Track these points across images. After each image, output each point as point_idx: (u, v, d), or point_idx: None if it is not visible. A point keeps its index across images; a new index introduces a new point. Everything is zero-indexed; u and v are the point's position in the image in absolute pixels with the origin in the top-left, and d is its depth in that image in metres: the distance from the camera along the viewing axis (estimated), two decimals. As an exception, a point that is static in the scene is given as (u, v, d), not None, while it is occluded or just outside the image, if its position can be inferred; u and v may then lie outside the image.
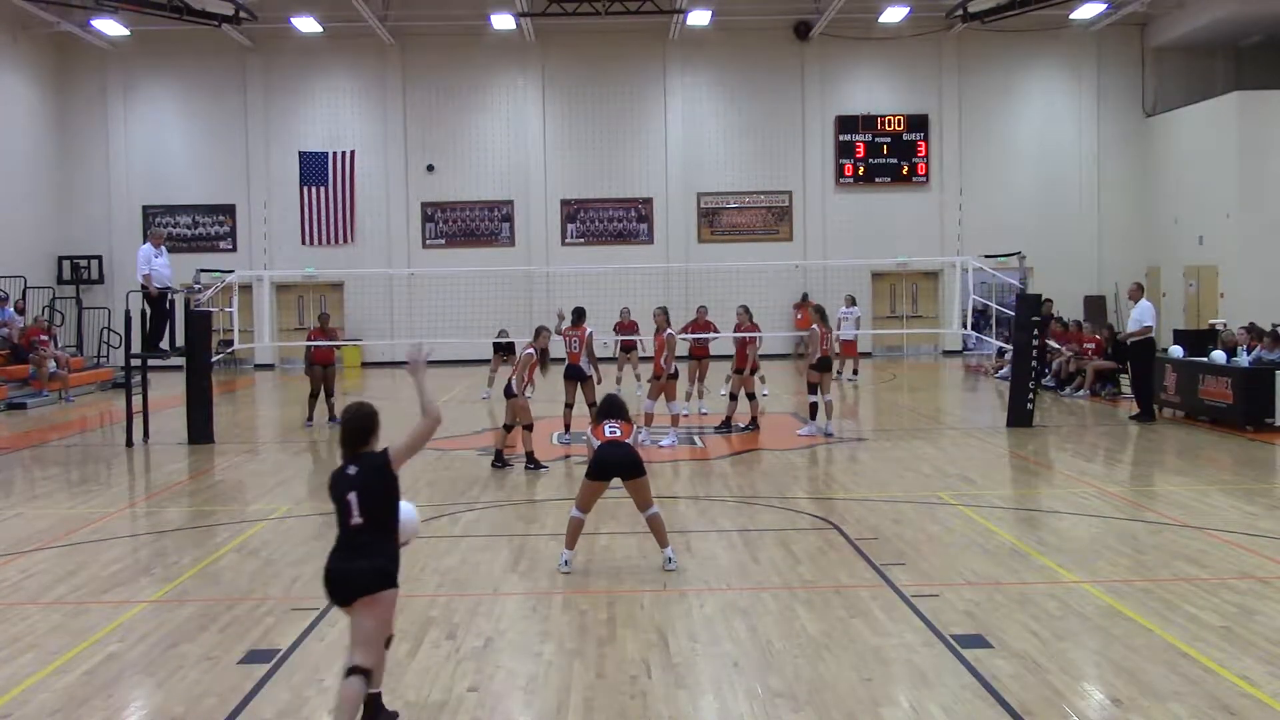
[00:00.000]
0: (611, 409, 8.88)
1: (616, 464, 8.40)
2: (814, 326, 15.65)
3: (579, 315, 15.68)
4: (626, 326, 21.30)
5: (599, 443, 8.53)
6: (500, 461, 13.38)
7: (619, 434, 8.55)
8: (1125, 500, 11.16)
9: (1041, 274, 26.18)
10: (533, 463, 13.17)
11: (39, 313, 25.65)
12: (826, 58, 30.97)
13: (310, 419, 17.74)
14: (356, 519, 5.47)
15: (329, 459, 15.10)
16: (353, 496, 5.48)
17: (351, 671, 5.35)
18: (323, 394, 17.79)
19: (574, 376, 15.36)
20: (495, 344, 21.14)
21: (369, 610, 5.41)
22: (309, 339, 18.04)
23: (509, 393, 13.32)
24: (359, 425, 5.62)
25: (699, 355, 18.21)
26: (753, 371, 16.27)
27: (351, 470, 5.54)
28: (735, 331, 16.54)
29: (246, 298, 22.47)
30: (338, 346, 18.26)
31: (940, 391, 23.64)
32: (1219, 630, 6.91)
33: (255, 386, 26.51)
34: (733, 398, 16.22)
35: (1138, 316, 16.97)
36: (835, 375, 23.36)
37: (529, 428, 13.29)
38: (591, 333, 15.67)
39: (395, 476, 5.56)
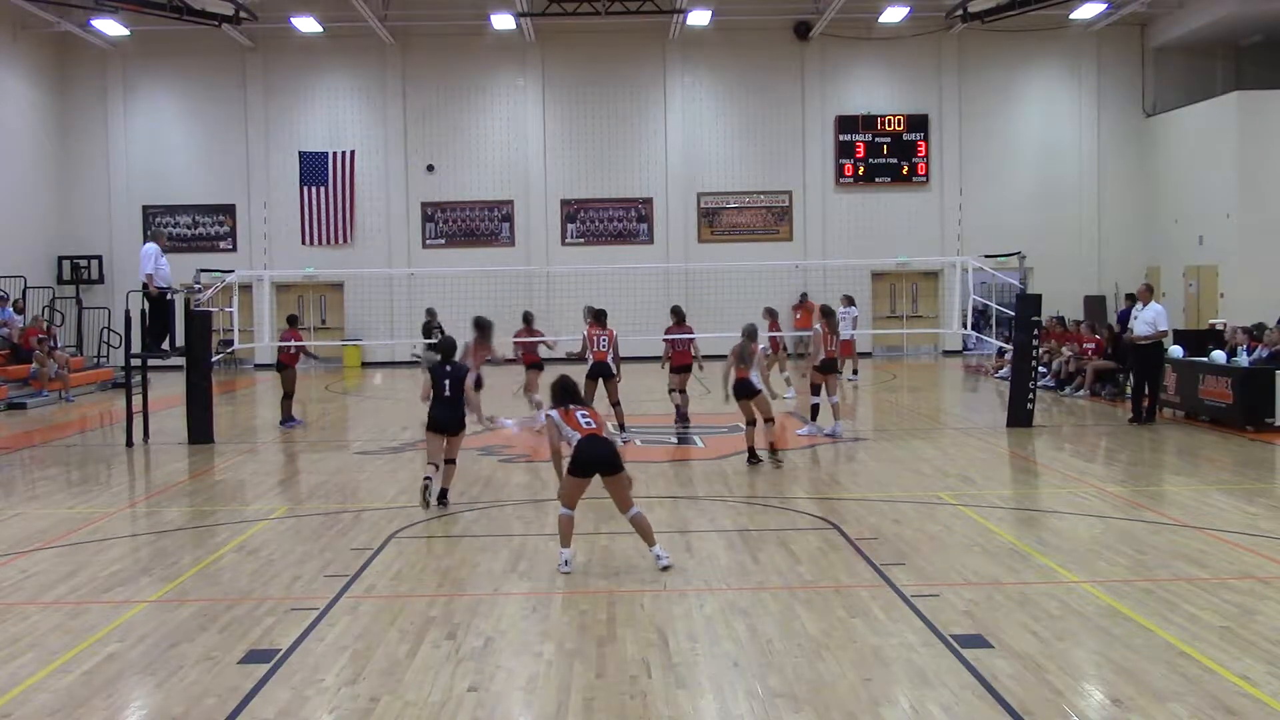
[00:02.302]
0: (568, 393, 8.83)
1: (598, 461, 8.44)
2: (816, 326, 15.68)
3: (602, 316, 15.97)
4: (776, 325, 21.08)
5: (575, 435, 8.56)
6: (754, 458, 13.20)
7: (594, 425, 8.61)
8: (1125, 500, 11.16)
9: (1041, 274, 26.21)
10: (756, 457, 13.13)
11: (39, 312, 25.67)
12: (826, 58, 30.98)
13: (297, 419, 17.79)
14: (447, 394, 10.86)
15: (329, 458, 15.08)
16: (447, 381, 10.87)
17: (446, 462, 11.04)
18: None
19: (599, 374, 15.64)
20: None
21: (455, 440, 11.03)
22: (283, 339, 17.93)
23: (749, 390, 12.97)
24: (452, 347, 11.40)
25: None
26: (674, 370, 16.69)
27: (448, 369, 10.96)
28: (667, 333, 16.93)
29: (246, 298, 22.45)
30: (305, 348, 18.22)
31: (940, 391, 23.64)
32: (1219, 630, 6.90)
33: (255, 386, 26.51)
34: (681, 392, 16.71)
35: (1150, 319, 16.30)
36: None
37: (771, 421, 13.13)
38: (616, 334, 16.05)
39: (468, 383, 11.17)
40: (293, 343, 17.80)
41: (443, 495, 10.97)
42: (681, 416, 16.60)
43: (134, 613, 7.67)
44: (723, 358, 13.56)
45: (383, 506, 11.28)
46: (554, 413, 8.78)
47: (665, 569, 8.42)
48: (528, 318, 17.88)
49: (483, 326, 15.49)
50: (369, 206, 31.01)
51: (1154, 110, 30.93)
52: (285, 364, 17.80)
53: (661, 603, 7.71)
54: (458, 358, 11.91)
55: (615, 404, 15.83)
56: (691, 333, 16.72)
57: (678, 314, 17.12)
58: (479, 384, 14.81)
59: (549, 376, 10.00)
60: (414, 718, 5.78)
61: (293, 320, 18.51)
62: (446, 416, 10.82)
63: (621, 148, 31.15)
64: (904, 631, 6.97)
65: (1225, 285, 27.05)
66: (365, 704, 5.95)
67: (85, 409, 21.49)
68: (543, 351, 17.61)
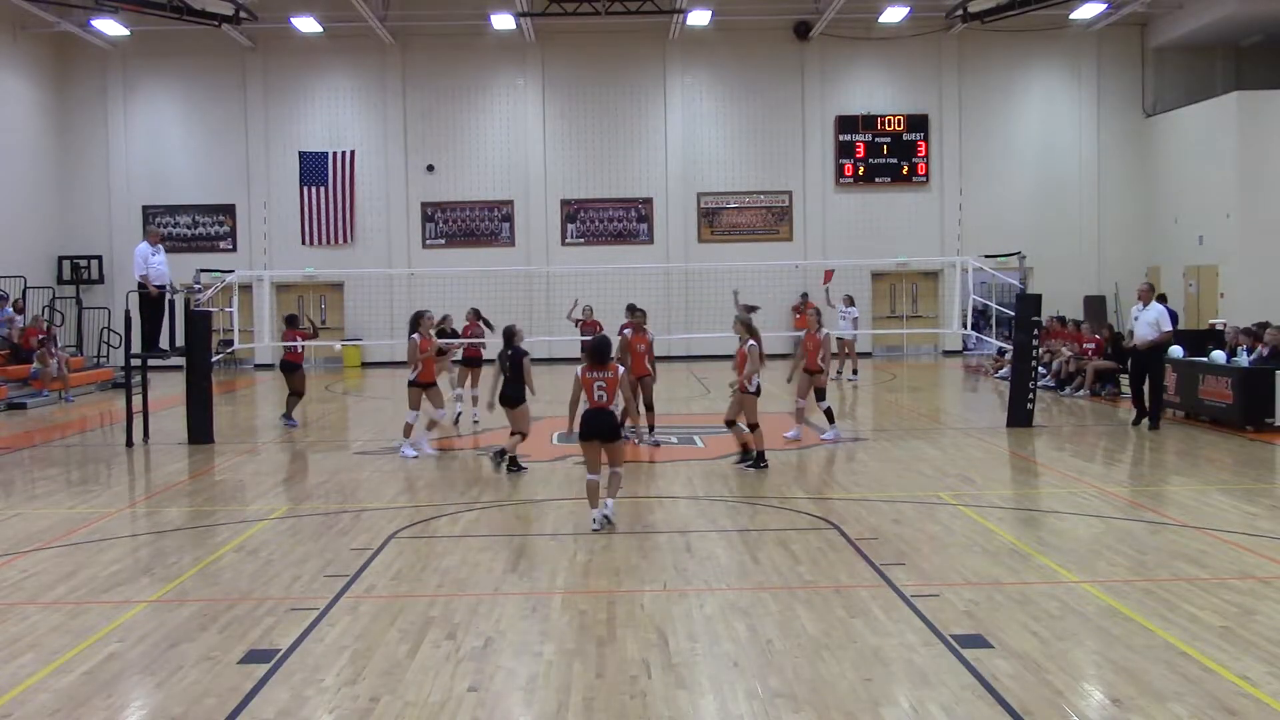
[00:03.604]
0: (591, 353, 10.20)
1: (599, 429, 9.88)
2: (825, 331, 15.50)
3: (631, 311, 16.10)
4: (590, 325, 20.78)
5: (586, 405, 9.94)
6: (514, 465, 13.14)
7: (604, 399, 9.95)
8: (1125, 500, 11.16)
9: (1041, 274, 26.21)
10: (766, 460, 13.08)
11: (39, 312, 25.67)
12: (826, 58, 30.98)
13: (294, 420, 17.83)
14: (508, 374, 12.60)
15: (329, 458, 15.08)
16: (508, 363, 12.57)
17: (514, 434, 12.83)
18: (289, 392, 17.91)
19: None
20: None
21: (517, 413, 12.77)
22: (285, 339, 17.83)
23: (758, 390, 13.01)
24: (514, 333, 12.87)
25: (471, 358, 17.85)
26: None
27: (509, 352, 12.67)
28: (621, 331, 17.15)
29: (246, 298, 22.46)
30: (299, 347, 18.16)
31: (940, 391, 23.64)
32: (1219, 630, 6.90)
33: (255, 386, 26.51)
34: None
35: (1152, 320, 15.83)
36: (835, 375, 23.43)
37: (755, 425, 13.05)
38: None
39: (524, 363, 12.66)
40: (299, 342, 17.76)
41: (513, 462, 12.87)
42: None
43: (134, 613, 7.67)
44: (718, 358, 13.72)
45: (383, 506, 11.28)
46: (579, 371, 10.13)
47: (595, 529, 9.66)
48: (474, 314, 17.82)
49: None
50: (369, 206, 31.01)
51: (1154, 110, 30.93)
52: (293, 364, 17.74)
53: (661, 603, 7.71)
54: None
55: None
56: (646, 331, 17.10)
57: (632, 311, 17.37)
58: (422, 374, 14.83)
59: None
60: (414, 718, 5.78)
61: (292, 320, 18.44)
62: (507, 392, 12.77)
63: (621, 148, 31.15)
64: (904, 631, 6.97)
65: (1225, 285, 27.05)
66: (365, 704, 5.95)
67: (85, 409, 21.49)
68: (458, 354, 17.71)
